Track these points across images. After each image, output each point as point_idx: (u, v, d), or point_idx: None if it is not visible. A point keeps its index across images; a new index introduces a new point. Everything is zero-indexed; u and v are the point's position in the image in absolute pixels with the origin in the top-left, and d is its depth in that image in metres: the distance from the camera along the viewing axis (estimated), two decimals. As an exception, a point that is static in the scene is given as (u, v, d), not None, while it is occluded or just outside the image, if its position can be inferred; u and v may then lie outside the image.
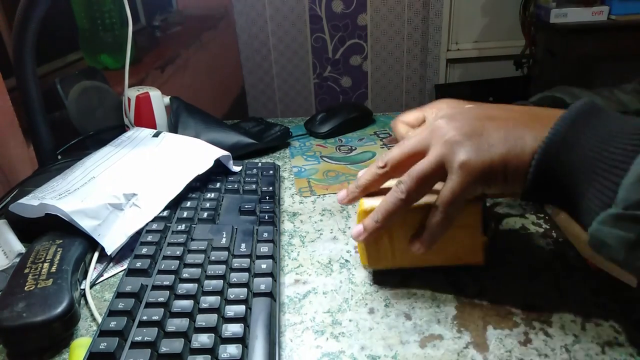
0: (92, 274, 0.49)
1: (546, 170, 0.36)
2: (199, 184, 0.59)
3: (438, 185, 0.40)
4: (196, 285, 0.41)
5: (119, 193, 0.53)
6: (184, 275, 0.42)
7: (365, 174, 0.44)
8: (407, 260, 0.45)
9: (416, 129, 0.52)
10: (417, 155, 0.40)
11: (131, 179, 0.56)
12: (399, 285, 0.45)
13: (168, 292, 0.40)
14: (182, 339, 0.36)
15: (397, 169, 0.42)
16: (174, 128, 0.73)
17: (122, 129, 0.77)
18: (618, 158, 0.32)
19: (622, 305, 0.41)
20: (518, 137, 0.37)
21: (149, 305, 0.39)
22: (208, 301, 0.39)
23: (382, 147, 0.76)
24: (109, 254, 0.49)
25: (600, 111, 0.36)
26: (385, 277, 0.47)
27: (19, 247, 0.52)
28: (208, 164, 0.59)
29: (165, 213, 0.53)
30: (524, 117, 0.38)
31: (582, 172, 0.34)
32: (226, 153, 0.62)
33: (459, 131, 0.38)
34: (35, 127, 0.66)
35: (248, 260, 0.45)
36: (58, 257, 0.46)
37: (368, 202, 0.44)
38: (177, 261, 0.44)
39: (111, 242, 0.50)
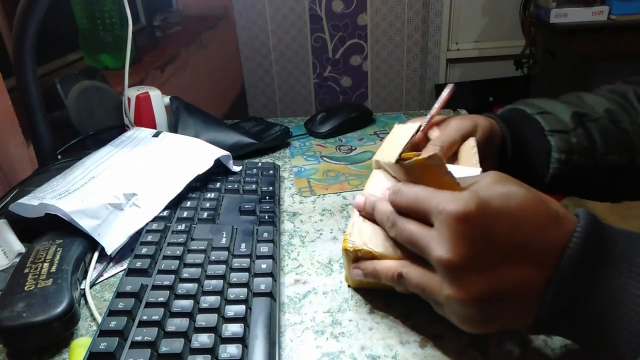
0: (92, 273, 0.49)
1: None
2: (199, 184, 0.59)
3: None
4: (196, 285, 0.41)
5: (119, 193, 0.53)
6: (184, 275, 0.42)
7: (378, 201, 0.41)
8: None
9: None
10: (423, 220, 0.35)
11: (131, 179, 0.56)
12: (399, 285, 0.45)
13: (168, 292, 0.40)
14: (182, 339, 0.36)
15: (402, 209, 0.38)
16: (174, 128, 0.73)
17: (122, 128, 0.77)
18: None
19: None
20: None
21: (149, 305, 0.39)
22: (208, 301, 0.39)
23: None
24: (108, 253, 0.49)
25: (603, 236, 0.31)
26: (385, 277, 0.47)
27: (19, 247, 0.52)
28: (208, 164, 0.59)
29: (165, 213, 0.53)
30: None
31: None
32: (226, 153, 0.62)
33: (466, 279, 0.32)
34: (35, 127, 0.66)
35: (248, 260, 0.45)
36: (58, 257, 0.46)
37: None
38: (177, 261, 0.44)
39: (111, 242, 0.50)
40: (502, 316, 0.33)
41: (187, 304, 0.39)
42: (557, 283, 0.31)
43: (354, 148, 0.77)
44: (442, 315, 0.36)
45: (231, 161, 0.63)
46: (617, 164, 0.54)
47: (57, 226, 0.49)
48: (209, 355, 0.35)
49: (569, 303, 0.31)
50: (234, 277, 0.42)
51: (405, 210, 0.37)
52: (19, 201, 0.52)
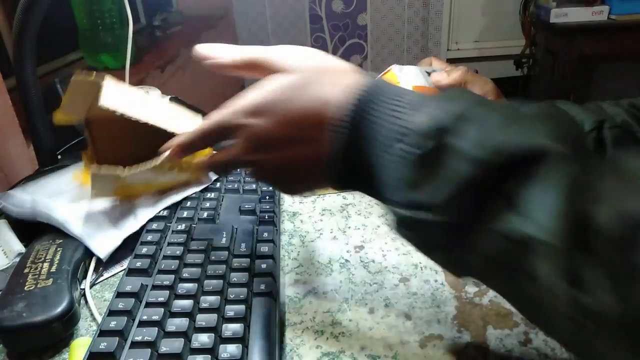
0: (92, 273, 0.49)
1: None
2: (199, 184, 0.59)
3: None
4: (196, 285, 0.41)
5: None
6: (184, 275, 0.42)
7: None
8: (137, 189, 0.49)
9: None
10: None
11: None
12: (399, 285, 0.45)
13: (168, 291, 0.40)
14: (182, 339, 0.36)
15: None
16: (174, 128, 0.73)
17: (122, 128, 0.77)
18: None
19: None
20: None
21: (149, 305, 0.39)
22: (208, 301, 0.39)
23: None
24: (101, 257, 0.49)
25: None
26: (385, 277, 0.47)
27: (18, 246, 0.52)
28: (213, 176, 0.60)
29: (165, 213, 0.53)
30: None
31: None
32: None
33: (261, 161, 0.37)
34: (35, 127, 0.66)
35: (248, 260, 0.45)
36: (58, 256, 0.46)
37: None
38: (177, 261, 0.44)
39: (103, 247, 0.49)
40: (298, 184, 0.38)
41: (187, 303, 0.39)
42: (331, 162, 0.33)
43: (354, 148, 0.77)
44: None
45: None
46: None
47: (56, 226, 0.49)
48: (209, 355, 0.35)
49: (350, 169, 0.33)
50: (234, 277, 0.42)
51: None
52: (9, 191, 0.52)
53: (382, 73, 0.51)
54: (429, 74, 0.52)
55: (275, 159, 0.36)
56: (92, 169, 0.48)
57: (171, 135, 0.43)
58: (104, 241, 0.50)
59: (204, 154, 0.48)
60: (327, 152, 0.33)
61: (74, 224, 0.48)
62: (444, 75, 0.51)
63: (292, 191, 0.41)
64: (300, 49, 0.39)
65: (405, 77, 0.50)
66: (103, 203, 0.52)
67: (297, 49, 0.39)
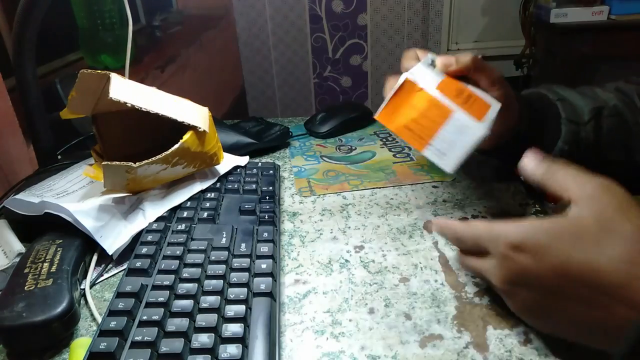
0: (92, 273, 0.49)
1: None
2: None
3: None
4: (196, 285, 0.41)
5: (123, 196, 0.53)
6: (184, 275, 0.42)
7: None
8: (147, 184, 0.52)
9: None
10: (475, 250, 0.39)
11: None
12: (399, 285, 0.45)
13: (168, 291, 0.40)
14: (182, 339, 0.36)
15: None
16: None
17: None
18: None
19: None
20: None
21: (149, 305, 0.39)
22: (208, 301, 0.39)
23: (382, 147, 0.76)
24: (110, 254, 0.49)
25: None
26: (385, 277, 0.47)
27: (18, 246, 0.52)
28: (220, 171, 0.60)
29: (165, 213, 0.53)
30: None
31: None
32: (243, 159, 0.63)
33: (526, 301, 0.35)
34: (35, 127, 0.66)
35: (248, 260, 0.45)
36: (58, 256, 0.46)
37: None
38: (177, 261, 0.44)
39: (112, 244, 0.50)
40: (563, 329, 0.35)
41: (187, 304, 0.39)
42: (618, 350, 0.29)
43: (354, 148, 0.77)
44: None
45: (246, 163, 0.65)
46: (615, 159, 0.55)
47: (57, 226, 0.49)
48: (209, 355, 0.35)
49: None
50: (234, 277, 0.42)
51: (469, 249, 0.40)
52: (15, 196, 0.52)
53: (397, 88, 0.48)
54: (432, 65, 0.50)
55: (538, 300, 0.34)
56: (103, 162, 0.48)
57: (181, 126, 0.43)
58: (113, 238, 0.50)
59: (212, 146, 0.48)
60: (614, 334, 0.30)
61: (85, 220, 0.48)
62: (452, 60, 0.49)
63: (548, 329, 0.37)
64: (604, 187, 0.34)
65: (423, 80, 0.48)
66: (112, 199, 0.52)
67: (602, 185, 0.34)
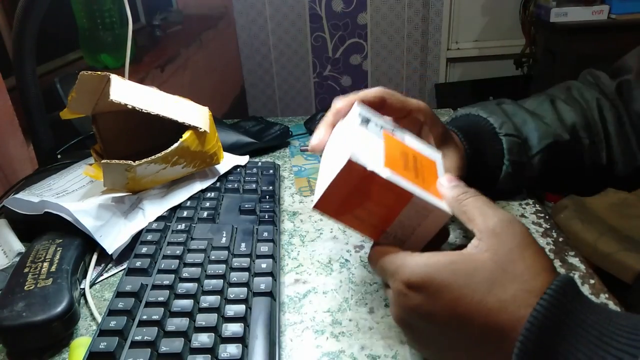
0: (92, 273, 0.49)
1: None
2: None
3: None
4: (196, 284, 0.41)
5: (123, 195, 0.53)
6: (183, 275, 0.42)
7: None
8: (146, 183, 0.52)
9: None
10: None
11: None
12: (399, 285, 0.45)
13: (168, 291, 0.40)
14: (182, 339, 0.36)
15: None
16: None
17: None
18: None
19: (621, 302, 0.41)
20: None
21: (148, 304, 0.39)
22: (208, 300, 0.39)
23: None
24: (110, 253, 0.49)
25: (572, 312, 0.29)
26: (385, 277, 0.47)
27: (18, 246, 0.52)
28: (220, 171, 0.60)
29: (165, 212, 0.53)
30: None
31: None
32: (243, 159, 0.63)
33: (419, 340, 0.35)
34: (35, 127, 0.66)
35: (248, 259, 0.45)
36: (58, 256, 0.46)
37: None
38: (177, 260, 0.44)
39: (112, 243, 0.50)
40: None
41: (187, 303, 0.39)
42: None
43: (354, 147, 0.77)
44: None
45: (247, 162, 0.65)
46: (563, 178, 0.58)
47: (57, 226, 0.49)
48: (209, 355, 0.35)
49: None
50: (234, 276, 0.42)
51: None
52: (15, 196, 0.52)
53: (339, 171, 0.35)
54: (365, 121, 0.39)
55: (430, 335, 0.34)
56: (103, 161, 0.48)
57: (181, 126, 0.43)
58: (113, 237, 0.50)
59: (212, 145, 0.48)
60: None
61: (85, 219, 0.48)
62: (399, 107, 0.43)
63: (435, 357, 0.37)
64: (506, 223, 0.33)
65: (369, 158, 0.35)
66: (112, 199, 0.52)
67: (504, 221, 0.33)
